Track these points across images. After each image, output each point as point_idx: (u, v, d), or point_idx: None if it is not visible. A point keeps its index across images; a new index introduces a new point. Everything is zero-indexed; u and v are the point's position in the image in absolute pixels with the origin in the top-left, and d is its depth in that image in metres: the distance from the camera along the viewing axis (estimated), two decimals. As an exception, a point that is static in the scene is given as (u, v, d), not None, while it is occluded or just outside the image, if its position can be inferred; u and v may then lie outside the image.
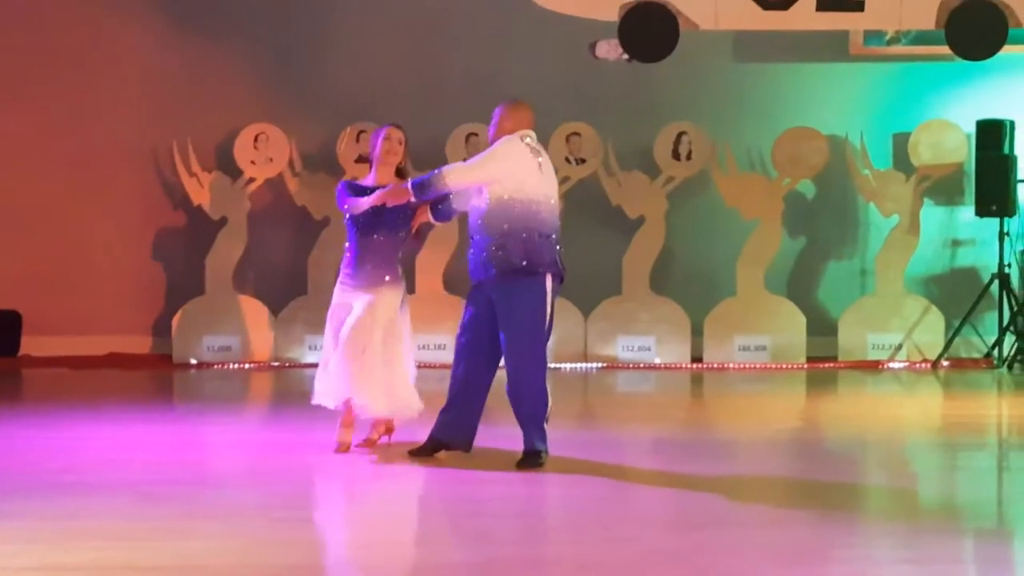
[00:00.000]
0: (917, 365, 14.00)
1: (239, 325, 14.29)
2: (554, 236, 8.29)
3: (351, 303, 8.62)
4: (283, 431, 10.19)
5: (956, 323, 14.09)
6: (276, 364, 14.09)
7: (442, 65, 14.74)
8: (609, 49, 11.64)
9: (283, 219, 14.73)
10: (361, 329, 8.46)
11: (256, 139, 14.40)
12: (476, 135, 14.27)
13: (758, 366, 13.92)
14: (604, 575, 5.95)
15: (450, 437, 8.42)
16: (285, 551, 6.24)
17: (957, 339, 14.13)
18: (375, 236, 8.60)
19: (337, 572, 6.19)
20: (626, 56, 11.43)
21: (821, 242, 14.83)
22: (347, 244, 8.77)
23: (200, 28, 14.65)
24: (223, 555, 6.15)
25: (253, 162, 14.38)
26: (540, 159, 8.35)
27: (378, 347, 8.52)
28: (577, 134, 14.31)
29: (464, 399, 8.35)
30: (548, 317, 8.24)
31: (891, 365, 14.04)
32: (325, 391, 8.64)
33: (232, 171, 14.41)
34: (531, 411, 8.25)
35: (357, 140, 14.36)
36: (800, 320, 14.07)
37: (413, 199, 8.38)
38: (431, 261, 14.14)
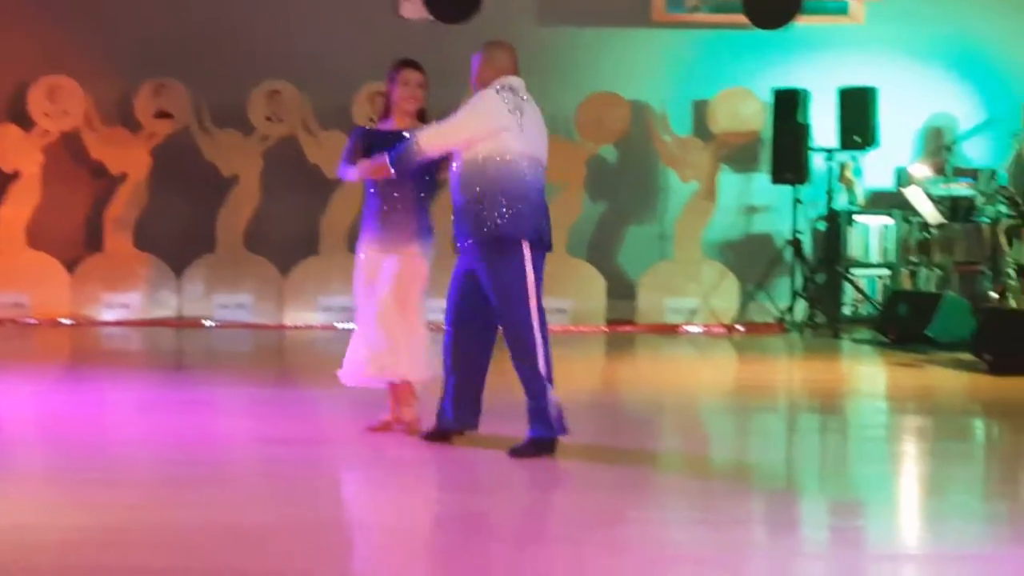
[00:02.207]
0: (713, 329, 14.19)
1: (32, 281, 13.99)
2: (537, 200, 7.57)
3: (376, 266, 7.96)
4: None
5: (750, 288, 14.35)
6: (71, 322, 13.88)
7: (244, 21, 14.53)
8: (412, 8, 11.57)
9: (79, 175, 14.43)
10: (390, 306, 7.82)
11: (51, 91, 14.03)
12: (279, 92, 14.16)
13: (558, 329, 13.99)
14: (401, 539, 5.94)
15: (459, 419, 7.81)
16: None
17: (751, 304, 14.38)
18: (394, 192, 7.92)
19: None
20: (430, 16, 11.36)
21: (622, 207, 14.96)
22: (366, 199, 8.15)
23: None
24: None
25: (47, 115, 14.00)
26: (520, 114, 7.56)
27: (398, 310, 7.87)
28: (381, 94, 14.16)
29: (465, 376, 7.74)
30: (535, 287, 7.54)
31: (688, 329, 14.21)
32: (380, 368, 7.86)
33: (25, 123, 14.05)
34: (528, 389, 7.59)
35: (156, 95, 14.13)
36: (600, 283, 14.19)
37: (394, 174, 7.66)
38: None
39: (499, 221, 7.46)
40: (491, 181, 7.47)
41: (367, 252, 8.02)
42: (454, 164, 7.60)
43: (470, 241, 7.50)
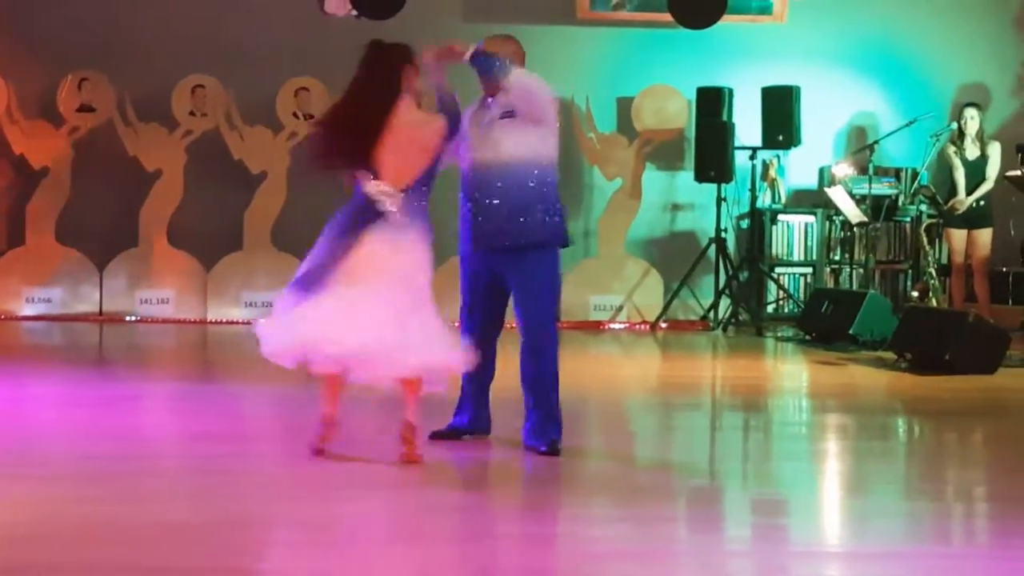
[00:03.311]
0: (637, 326, 14.25)
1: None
2: (560, 204, 7.48)
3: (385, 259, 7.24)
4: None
5: (675, 286, 14.39)
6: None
7: (168, 15, 14.42)
8: (338, 5, 11.52)
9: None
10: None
11: None
12: (203, 87, 14.08)
13: None
14: (326, 537, 5.90)
15: (474, 421, 7.69)
16: None
17: (675, 301, 14.43)
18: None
19: None
20: (354, 12, 11.31)
21: None
22: None
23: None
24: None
25: None
26: None
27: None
28: (306, 89, 14.19)
29: (480, 381, 7.61)
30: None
31: (612, 326, 14.27)
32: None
33: None
34: (545, 394, 7.57)
35: (79, 88, 14.03)
36: None
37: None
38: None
39: (547, 223, 7.35)
40: (542, 184, 7.34)
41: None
42: (491, 160, 7.29)
43: (507, 243, 7.26)
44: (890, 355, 11.73)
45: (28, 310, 13.92)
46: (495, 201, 7.24)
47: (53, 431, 8.55)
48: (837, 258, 14.39)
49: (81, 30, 14.25)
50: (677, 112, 14.55)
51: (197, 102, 14.15)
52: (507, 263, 7.30)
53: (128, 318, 13.93)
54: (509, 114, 7.32)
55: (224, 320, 14.02)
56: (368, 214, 6.78)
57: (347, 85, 7.11)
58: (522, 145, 7.27)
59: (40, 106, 14.22)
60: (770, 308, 14.41)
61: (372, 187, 6.76)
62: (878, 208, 13.72)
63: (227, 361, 12.26)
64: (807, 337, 13.14)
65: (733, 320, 14.12)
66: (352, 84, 7.10)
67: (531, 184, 7.31)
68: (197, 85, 14.13)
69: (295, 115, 14.14)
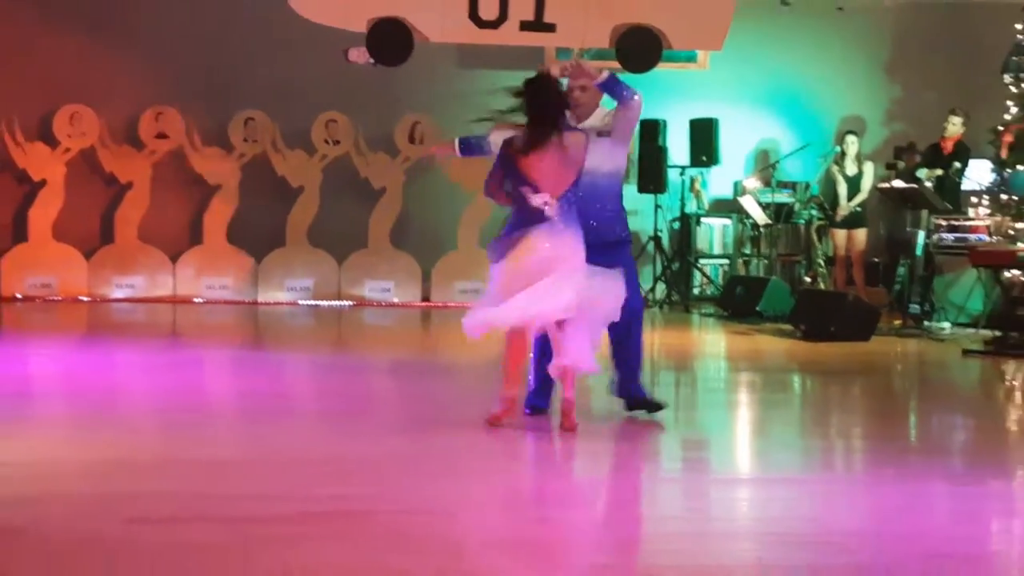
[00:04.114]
0: None
1: (57, 267, 13.81)
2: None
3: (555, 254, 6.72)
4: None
5: None
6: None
7: (225, 60, 14.36)
8: (359, 54, 11.47)
9: (94, 183, 14.24)
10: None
11: (71, 116, 13.85)
12: (253, 119, 14.06)
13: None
14: (365, 468, 5.91)
15: (545, 402, 7.15)
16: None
17: None
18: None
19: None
20: (372, 61, 11.30)
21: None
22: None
23: None
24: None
25: (69, 135, 13.84)
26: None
27: None
28: (334, 120, 14.18)
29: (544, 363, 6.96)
30: None
31: None
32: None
33: (51, 141, 13.86)
34: (636, 366, 7.14)
35: (156, 120, 13.97)
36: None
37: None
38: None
39: (626, 223, 7.06)
40: (620, 192, 7.05)
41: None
42: (607, 169, 6.87)
43: (610, 239, 6.84)
44: (788, 327, 11.81)
45: (117, 293, 13.90)
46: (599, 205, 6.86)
47: (137, 390, 8.58)
48: (747, 252, 14.40)
49: (157, 72, 14.23)
50: (623, 138, 14.48)
51: (249, 131, 14.12)
52: (607, 255, 6.72)
53: (195, 300, 13.91)
54: (604, 134, 6.87)
55: (271, 302, 13.94)
56: (534, 219, 6.47)
57: (527, 114, 6.65)
58: (616, 159, 6.92)
59: (126, 134, 14.17)
60: (696, 291, 14.40)
61: (537, 199, 6.46)
62: (779, 213, 13.76)
63: (277, 335, 12.26)
64: (724, 313, 13.16)
65: (667, 300, 14.11)
66: (530, 114, 6.64)
67: (620, 191, 7.04)
68: (249, 117, 14.11)
69: (325, 141, 14.16)
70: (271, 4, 10.99)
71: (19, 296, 13.64)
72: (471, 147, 7.21)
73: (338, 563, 4.40)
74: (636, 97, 6.85)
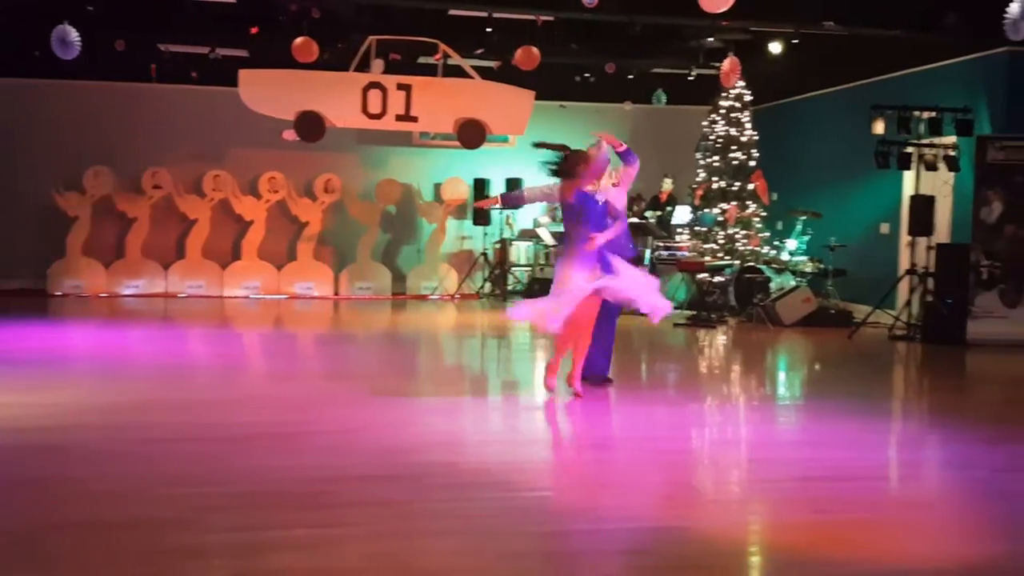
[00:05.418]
0: (444, 298, 14.06)
1: (86, 273, 13.39)
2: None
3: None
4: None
5: (463, 277, 14.33)
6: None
7: (198, 130, 14.15)
8: (290, 134, 11.62)
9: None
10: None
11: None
12: (219, 175, 13.89)
13: (366, 298, 13.87)
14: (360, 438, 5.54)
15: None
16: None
17: (465, 283, 14.30)
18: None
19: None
20: (299, 138, 11.43)
21: (397, 235, 14.76)
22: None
23: None
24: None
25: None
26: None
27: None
28: (274, 176, 14.04)
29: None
30: None
31: (432, 297, 14.09)
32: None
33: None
34: (609, 346, 6.57)
35: (152, 176, 13.70)
36: (387, 273, 14.07)
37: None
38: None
39: (633, 243, 6.74)
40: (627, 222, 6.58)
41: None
42: (620, 220, 6.42)
43: (619, 258, 6.33)
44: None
45: (127, 291, 13.50)
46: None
47: (139, 353, 8.01)
48: (543, 263, 14.71)
49: (154, 140, 14.00)
50: (463, 190, 14.48)
51: (216, 183, 13.76)
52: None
53: (180, 295, 13.50)
54: (617, 185, 6.52)
55: (233, 296, 13.56)
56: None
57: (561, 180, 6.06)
58: (623, 200, 6.60)
59: (133, 186, 13.85)
60: (510, 288, 14.31)
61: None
62: (560, 238, 13.96)
63: (235, 318, 11.70)
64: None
65: (492, 294, 14.04)
66: (562, 177, 6.11)
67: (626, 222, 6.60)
68: (216, 174, 13.87)
69: (268, 190, 13.95)
70: (241, 105, 11.11)
71: (59, 293, 13.32)
72: (511, 199, 6.58)
73: (277, 465, 4.43)
74: (637, 161, 6.46)
